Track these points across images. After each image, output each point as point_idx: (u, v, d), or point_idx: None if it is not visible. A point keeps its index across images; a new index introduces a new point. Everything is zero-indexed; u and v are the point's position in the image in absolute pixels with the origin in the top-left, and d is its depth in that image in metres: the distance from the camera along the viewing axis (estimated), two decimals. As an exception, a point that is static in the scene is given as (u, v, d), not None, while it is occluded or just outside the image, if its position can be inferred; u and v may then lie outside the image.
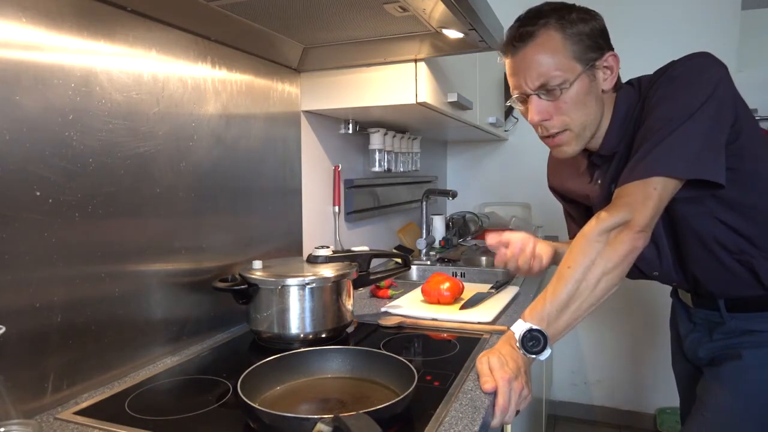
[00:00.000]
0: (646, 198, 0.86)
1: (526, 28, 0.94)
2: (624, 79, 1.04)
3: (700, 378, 1.08)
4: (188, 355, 1.02)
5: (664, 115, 0.89)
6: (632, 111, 0.99)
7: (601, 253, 0.86)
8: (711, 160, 0.86)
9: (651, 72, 1.01)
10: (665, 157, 0.86)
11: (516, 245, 1.12)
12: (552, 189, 1.28)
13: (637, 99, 0.98)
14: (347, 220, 1.76)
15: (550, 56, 0.93)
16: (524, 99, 0.98)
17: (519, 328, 0.86)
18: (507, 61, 0.99)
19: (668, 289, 1.21)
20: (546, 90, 0.94)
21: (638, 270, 1.05)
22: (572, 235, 1.30)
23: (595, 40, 0.95)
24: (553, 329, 0.85)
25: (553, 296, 0.86)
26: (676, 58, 0.96)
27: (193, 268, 1.07)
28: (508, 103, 1.05)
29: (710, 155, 0.86)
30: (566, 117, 0.96)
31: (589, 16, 0.95)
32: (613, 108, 1.00)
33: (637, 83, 1.01)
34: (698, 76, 0.89)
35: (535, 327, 0.85)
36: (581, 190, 1.13)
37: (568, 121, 0.96)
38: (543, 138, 1.01)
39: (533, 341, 0.85)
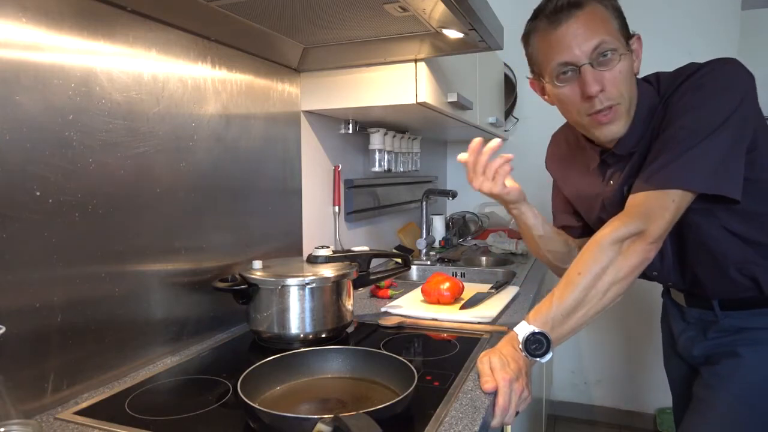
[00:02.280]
0: (663, 209, 0.85)
1: None
2: None
3: (694, 377, 1.08)
4: (188, 355, 1.02)
5: (688, 125, 0.87)
6: (653, 111, 0.96)
7: (613, 261, 0.85)
8: (730, 175, 0.85)
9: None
10: (686, 170, 0.85)
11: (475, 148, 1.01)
12: (549, 170, 1.25)
13: (657, 99, 0.96)
14: (347, 220, 1.76)
15: (603, 24, 0.91)
16: (570, 73, 0.92)
17: (522, 330, 0.86)
18: (543, 36, 0.94)
19: (668, 289, 1.21)
20: (602, 56, 0.90)
21: None
22: (556, 223, 1.26)
23: (625, 22, 0.95)
24: (556, 333, 0.85)
25: (560, 301, 0.85)
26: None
27: (193, 268, 1.07)
28: (546, 81, 0.96)
29: (730, 170, 0.85)
30: (620, 88, 0.92)
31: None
32: (636, 104, 0.97)
33: (655, 81, 0.98)
34: (725, 87, 0.87)
35: (538, 330, 0.85)
36: (592, 191, 1.11)
37: (622, 92, 0.92)
38: (590, 115, 0.94)
39: (536, 344, 0.84)
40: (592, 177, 1.10)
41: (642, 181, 0.89)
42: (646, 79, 1.00)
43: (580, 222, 1.21)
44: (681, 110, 0.90)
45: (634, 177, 0.95)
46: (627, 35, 0.94)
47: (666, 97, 0.94)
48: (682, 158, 0.85)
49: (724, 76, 0.89)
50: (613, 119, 0.94)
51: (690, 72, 0.92)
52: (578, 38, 0.90)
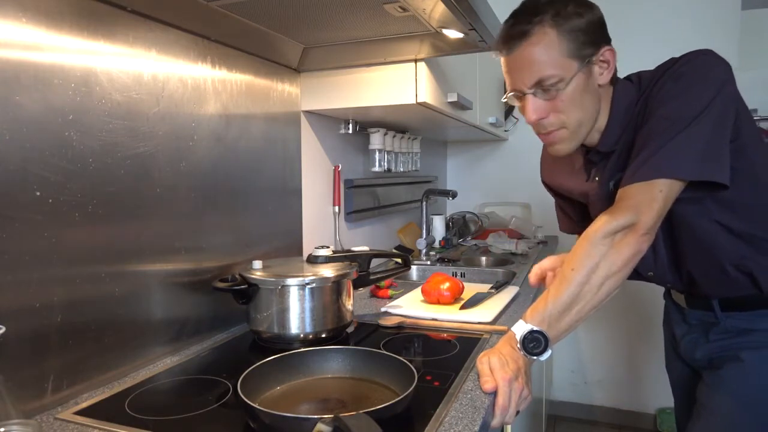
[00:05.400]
0: (651, 200, 0.85)
1: (520, 27, 0.91)
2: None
3: (696, 380, 1.08)
4: (188, 355, 1.02)
5: (669, 115, 0.88)
6: (632, 107, 0.97)
7: (605, 256, 0.85)
8: (716, 161, 0.85)
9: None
10: (671, 159, 0.85)
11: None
12: (544, 183, 1.27)
13: (638, 95, 0.97)
14: (347, 220, 1.76)
15: (546, 55, 0.90)
16: (520, 97, 0.97)
17: (520, 329, 0.86)
18: (501, 59, 0.97)
19: (668, 289, 1.21)
20: (542, 89, 0.92)
21: (634, 270, 1.05)
22: (563, 228, 1.30)
23: (591, 35, 0.92)
24: (554, 331, 0.85)
25: (555, 298, 0.85)
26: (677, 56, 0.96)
27: (193, 268, 1.07)
28: (504, 100, 1.04)
29: (715, 156, 0.85)
30: (563, 115, 0.94)
31: (585, 8, 0.92)
32: (611, 104, 0.99)
33: (636, 79, 0.99)
34: (704, 76, 0.88)
35: (536, 328, 0.85)
36: (578, 188, 1.12)
37: (565, 119, 0.95)
38: (539, 135, 1.00)
39: (534, 342, 0.85)
40: (578, 175, 1.11)
41: (629, 175, 0.89)
42: (628, 77, 1.01)
43: (580, 228, 1.22)
44: (661, 101, 0.90)
45: (617, 172, 0.96)
46: (589, 51, 0.92)
47: (646, 92, 0.95)
48: (665, 148, 0.86)
49: (701, 65, 0.89)
50: (556, 141, 0.98)
51: (668, 65, 0.93)
52: (521, 71, 0.93)
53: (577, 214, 1.23)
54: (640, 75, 0.99)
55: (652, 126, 0.90)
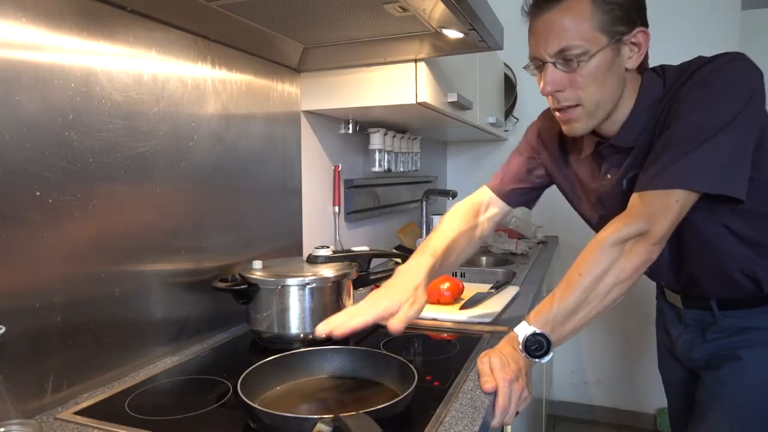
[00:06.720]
0: (666, 210, 0.83)
1: None
2: None
3: (692, 381, 1.07)
4: (188, 355, 1.02)
5: (695, 122, 0.85)
6: (657, 105, 0.93)
7: (614, 263, 0.84)
8: (736, 175, 0.83)
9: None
10: (691, 170, 0.83)
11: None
12: (530, 136, 1.23)
13: (662, 92, 0.93)
14: (347, 220, 1.76)
15: (575, 23, 0.87)
16: (540, 66, 0.93)
17: (523, 330, 0.86)
18: (529, 25, 0.94)
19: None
20: (563, 59, 0.89)
21: None
22: (491, 183, 1.26)
23: (627, 12, 0.89)
24: (557, 334, 0.84)
25: (561, 302, 0.85)
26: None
27: (193, 268, 1.07)
28: (523, 68, 0.98)
29: (736, 170, 0.83)
30: (580, 91, 0.90)
31: None
32: (638, 95, 0.95)
33: (661, 72, 0.95)
34: (735, 85, 0.85)
35: (539, 331, 0.84)
36: (582, 180, 1.08)
37: (582, 96, 0.91)
38: (553, 110, 0.96)
39: (536, 345, 0.84)
40: (584, 166, 1.07)
41: (645, 180, 0.87)
42: (653, 69, 0.97)
43: (529, 186, 1.19)
44: (687, 107, 0.87)
45: (633, 172, 0.94)
46: (621, 29, 0.89)
47: (671, 91, 0.91)
48: (687, 157, 0.83)
49: (732, 73, 0.86)
50: (571, 120, 0.94)
51: (696, 67, 0.89)
52: (546, 37, 0.89)
53: (518, 174, 1.19)
54: (664, 69, 0.96)
55: (675, 132, 0.86)
